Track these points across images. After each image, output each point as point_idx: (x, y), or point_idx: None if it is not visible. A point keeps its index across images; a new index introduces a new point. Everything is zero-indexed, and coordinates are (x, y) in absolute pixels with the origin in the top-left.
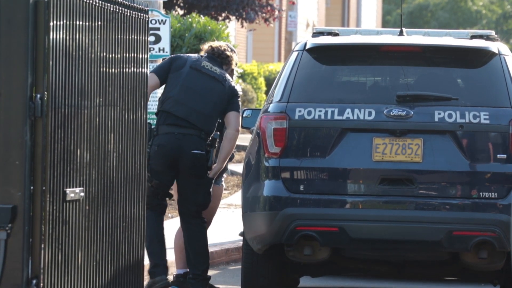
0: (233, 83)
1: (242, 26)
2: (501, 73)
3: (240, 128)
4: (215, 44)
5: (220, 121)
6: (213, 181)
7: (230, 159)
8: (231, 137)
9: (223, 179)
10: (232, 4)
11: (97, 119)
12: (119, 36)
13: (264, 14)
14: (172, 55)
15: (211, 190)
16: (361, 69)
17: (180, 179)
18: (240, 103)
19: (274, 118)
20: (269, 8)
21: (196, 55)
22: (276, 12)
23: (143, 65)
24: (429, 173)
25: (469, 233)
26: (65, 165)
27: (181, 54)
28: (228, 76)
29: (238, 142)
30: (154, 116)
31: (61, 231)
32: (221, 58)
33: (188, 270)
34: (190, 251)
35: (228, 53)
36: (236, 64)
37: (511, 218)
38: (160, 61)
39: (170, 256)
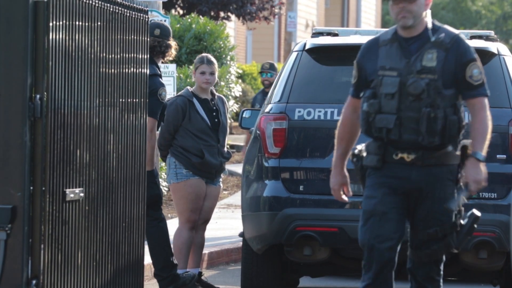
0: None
1: (244, 24)
2: (501, 74)
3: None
4: None
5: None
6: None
7: (227, 159)
8: None
9: (220, 179)
10: (231, 1)
11: (97, 120)
12: (118, 37)
13: (263, 12)
14: None
15: (156, 181)
16: None
17: None
18: (158, 100)
19: (274, 119)
20: (268, 6)
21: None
22: (276, 10)
23: (143, 66)
24: None
25: None
26: (65, 166)
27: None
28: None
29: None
30: None
31: (61, 232)
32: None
33: (187, 269)
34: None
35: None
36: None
37: (511, 218)
38: None
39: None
